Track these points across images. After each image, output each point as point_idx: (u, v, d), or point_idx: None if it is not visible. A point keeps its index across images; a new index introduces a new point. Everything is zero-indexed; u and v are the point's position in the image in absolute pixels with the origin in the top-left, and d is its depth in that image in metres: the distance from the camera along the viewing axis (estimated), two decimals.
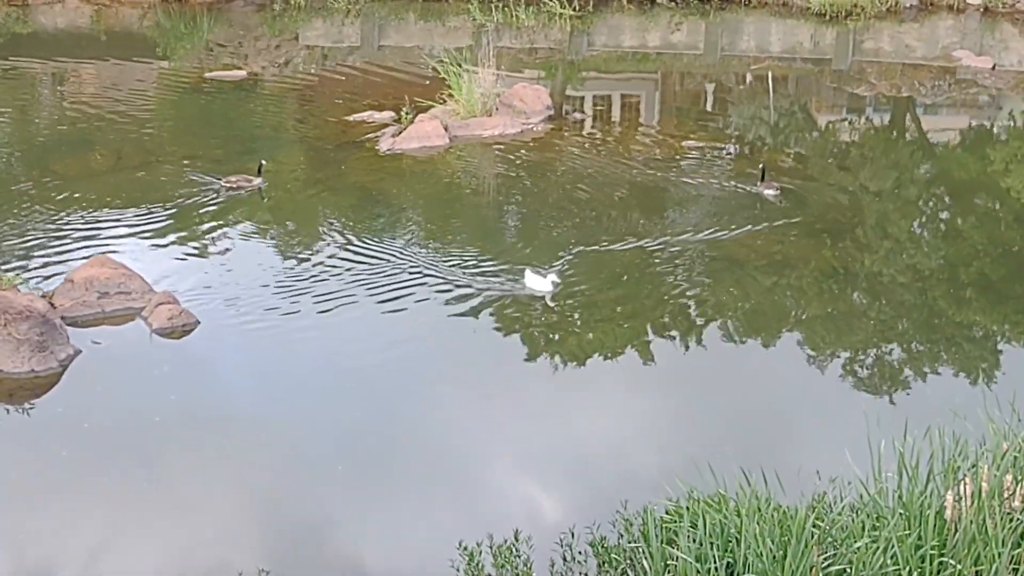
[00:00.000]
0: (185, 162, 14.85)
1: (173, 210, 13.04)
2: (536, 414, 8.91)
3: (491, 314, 10.35)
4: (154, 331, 9.96)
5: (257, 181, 13.84)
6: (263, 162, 14.05)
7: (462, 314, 10.35)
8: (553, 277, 10.65)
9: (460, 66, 16.83)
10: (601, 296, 10.81)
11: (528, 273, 10.75)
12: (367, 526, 7.54)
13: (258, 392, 9.21)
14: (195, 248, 12.07)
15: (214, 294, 10.74)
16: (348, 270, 11.32)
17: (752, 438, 8.38)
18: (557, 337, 10.09)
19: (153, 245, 12.08)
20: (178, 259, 11.75)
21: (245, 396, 9.14)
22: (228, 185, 13.72)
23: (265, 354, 9.75)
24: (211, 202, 13.27)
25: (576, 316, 10.40)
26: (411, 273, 11.18)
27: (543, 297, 10.53)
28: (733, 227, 12.52)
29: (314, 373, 9.49)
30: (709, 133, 16.72)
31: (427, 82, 18.67)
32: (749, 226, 12.56)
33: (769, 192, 13.84)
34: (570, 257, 11.56)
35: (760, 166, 14.31)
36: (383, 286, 10.91)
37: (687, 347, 9.94)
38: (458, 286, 10.85)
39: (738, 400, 9.09)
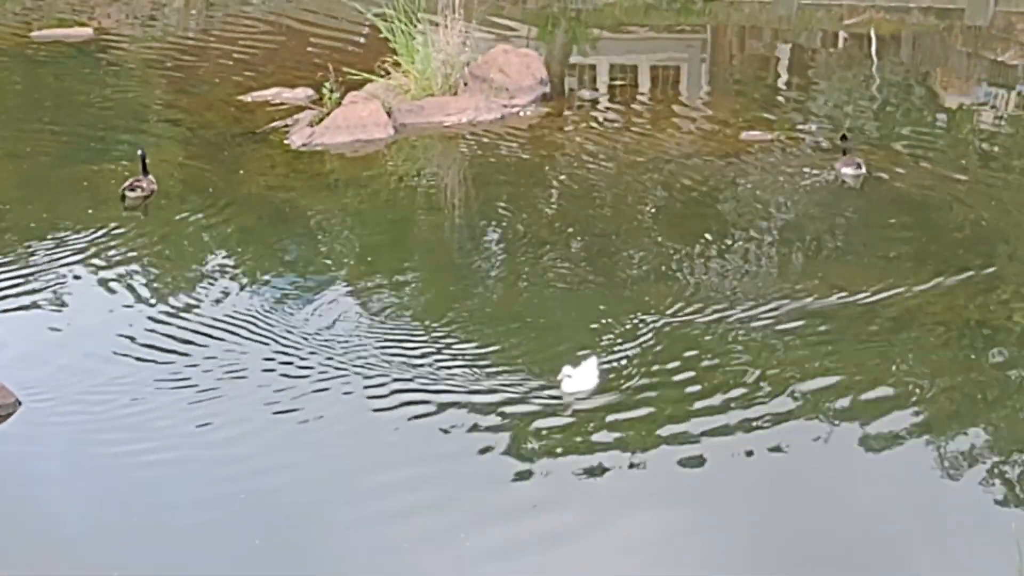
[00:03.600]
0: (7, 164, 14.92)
1: None
2: (525, 557, 8.82)
3: (455, 413, 10.18)
4: None
5: (152, 181, 14.25)
6: (141, 152, 14.30)
7: (418, 416, 10.18)
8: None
9: (411, 20, 16.94)
10: (625, 376, 10.78)
11: (588, 368, 10.67)
12: None
13: (99, 510, 9.18)
14: (17, 298, 12.15)
15: (43, 365, 10.81)
16: (235, 335, 11.37)
17: (855, 565, 8.49)
18: (559, 444, 10.00)
19: None
20: None
21: (80, 515, 9.10)
22: (138, 194, 14.07)
23: (110, 453, 9.75)
24: (43, 229, 13.41)
25: (588, 410, 10.39)
26: (330, 346, 11.16)
27: (575, 398, 10.45)
28: (822, 264, 12.71)
29: (179, 488, 9.43)
30: (782, 120, 16.86)
31: (361, 44, 18.77)
32: (846, 260, 12.74)
33: (848, 171, 14.24)
34: (580, 322, 11.60)
35: (842, 135, 14.79)
36: (286, 363, 10.88)
37: (752, 452, 9.93)
38: (400, 375, 10.72)
39: (834, 514, 9.15)
